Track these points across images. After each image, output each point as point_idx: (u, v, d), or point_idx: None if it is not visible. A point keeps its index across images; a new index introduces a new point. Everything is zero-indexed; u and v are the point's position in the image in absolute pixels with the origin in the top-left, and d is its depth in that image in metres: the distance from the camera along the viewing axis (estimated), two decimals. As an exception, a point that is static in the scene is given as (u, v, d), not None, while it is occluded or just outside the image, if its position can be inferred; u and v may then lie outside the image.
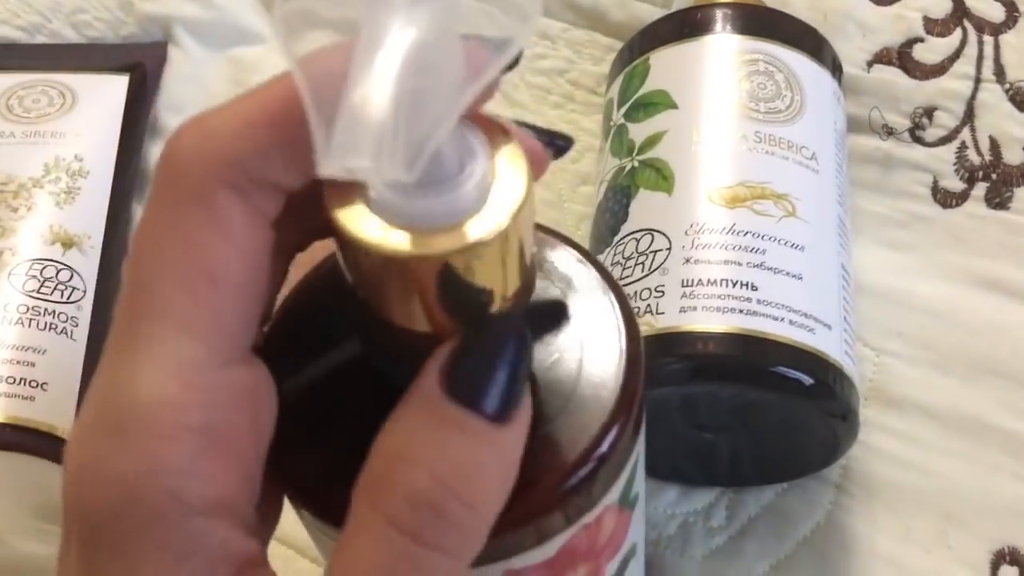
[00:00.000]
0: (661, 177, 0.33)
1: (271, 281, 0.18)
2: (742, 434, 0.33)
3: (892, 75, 0.42)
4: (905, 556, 0.34)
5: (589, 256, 0.22)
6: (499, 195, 0.17)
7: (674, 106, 0.35)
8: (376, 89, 0.15)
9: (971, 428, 0.36)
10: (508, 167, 0.17)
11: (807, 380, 0.30)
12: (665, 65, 0.36)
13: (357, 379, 0.20)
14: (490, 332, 0.17)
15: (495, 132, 0.17)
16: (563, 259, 0.22)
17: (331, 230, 0.17)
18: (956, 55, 0.42)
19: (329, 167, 0.14)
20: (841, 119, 0.37)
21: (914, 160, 0.41)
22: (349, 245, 0.16)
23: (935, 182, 0.41)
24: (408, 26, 0.15)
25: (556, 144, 0.21)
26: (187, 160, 0.17)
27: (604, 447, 0.20)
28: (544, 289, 0.21)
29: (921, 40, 0.42)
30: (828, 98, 0.36)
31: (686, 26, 0.37)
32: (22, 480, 0.35)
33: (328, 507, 0.19)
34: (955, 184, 0.41)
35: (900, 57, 0.42)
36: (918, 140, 0.41)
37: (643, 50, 0.37)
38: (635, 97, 0.36)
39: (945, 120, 0.41)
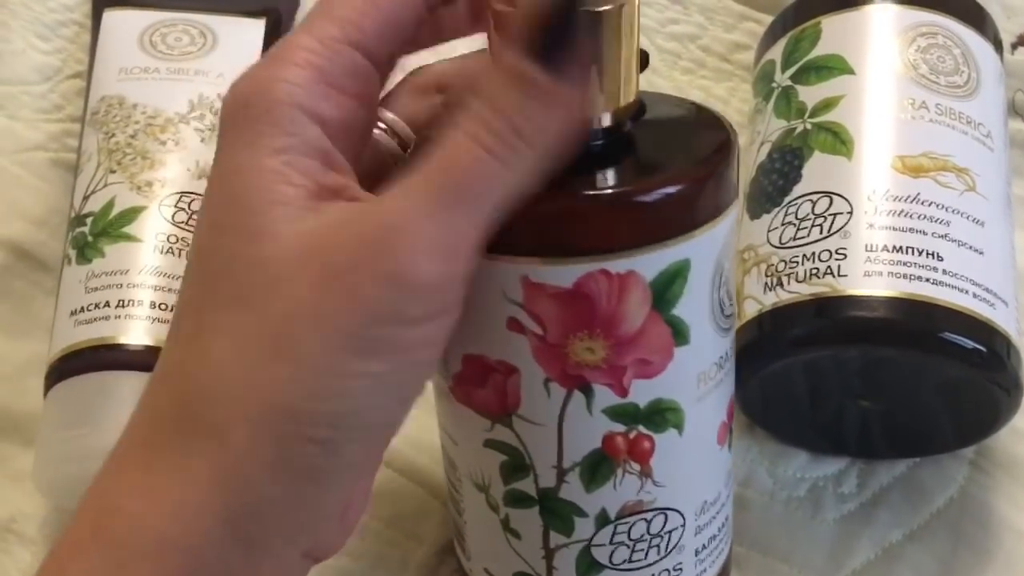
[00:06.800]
0: (839, 141, 0.33)
1: (404, 41, 0.24)
2: (897, 404, 0.33)
3: (1037, 58, 0.42)
4: (1043, 533, 0.35)
5: None
6: None
7: (851, 71, 0.35)
8: None
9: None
10: None
11: (985, 352, 0.30)
12: (839, 30, 0.36)
13: None
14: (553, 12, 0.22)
15: None
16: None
17: None
18: (1103, 40, 0.42)
19: None
20: (1004, 97, 0.37)
21: (1056, 144, 0.41)
22: None
23: (1076, 167, 0.41)
24: None
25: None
26: None
27: (653, 192, 0.23)
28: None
29: (1067, 24, 0.42)
30: (996, 75, 0.36)
31: None
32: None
33: None
34: (1096, 170, 0.40)
35: (1045, 40, 0.42)
36: (1061, 124, 0.41)
37: (813, 13, 0.37)
38: (805, 60, 0.36)
39: (1089, 106, 0.41)
